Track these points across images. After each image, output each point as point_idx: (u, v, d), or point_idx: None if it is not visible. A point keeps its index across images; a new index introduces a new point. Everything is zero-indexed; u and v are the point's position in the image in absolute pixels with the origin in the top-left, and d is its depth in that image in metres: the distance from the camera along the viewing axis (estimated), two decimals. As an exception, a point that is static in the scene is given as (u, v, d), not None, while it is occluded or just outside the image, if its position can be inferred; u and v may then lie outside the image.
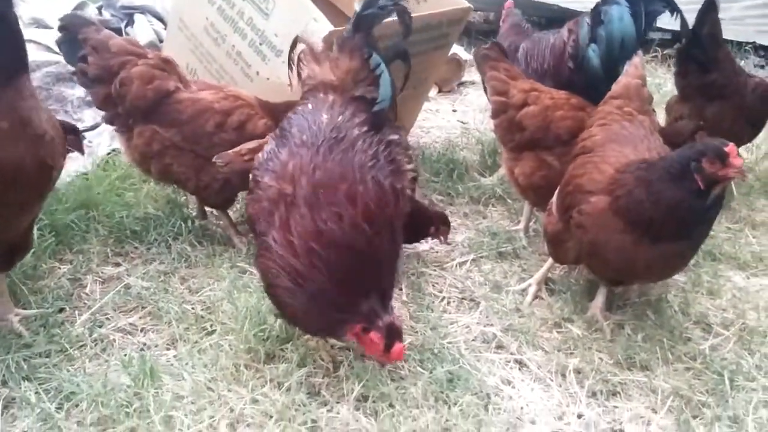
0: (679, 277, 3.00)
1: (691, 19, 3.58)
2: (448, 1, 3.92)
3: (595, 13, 3.44)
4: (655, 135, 2.60)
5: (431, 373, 2.25)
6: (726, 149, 2.15)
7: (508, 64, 3.37)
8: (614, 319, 2.66)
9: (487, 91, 3.68)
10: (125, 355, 2.29)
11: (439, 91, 5.77)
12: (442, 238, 3.03)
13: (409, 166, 2.38)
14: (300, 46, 2.60)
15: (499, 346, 2.52)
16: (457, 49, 6.02)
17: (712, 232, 3.32)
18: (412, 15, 2.85)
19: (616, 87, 2.79)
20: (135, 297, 2.65)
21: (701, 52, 3.62)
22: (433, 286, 2.92)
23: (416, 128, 4.76)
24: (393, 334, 1.94)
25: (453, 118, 5.22)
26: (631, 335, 2.55)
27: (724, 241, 3.31)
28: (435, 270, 3.04)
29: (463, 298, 2.85)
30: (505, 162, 3.35)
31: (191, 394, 2.14)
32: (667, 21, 3.53)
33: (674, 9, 3.44)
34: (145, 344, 2.43)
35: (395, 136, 2.37)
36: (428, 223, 2.98)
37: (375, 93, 2.45)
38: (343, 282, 1.95)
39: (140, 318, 2.56)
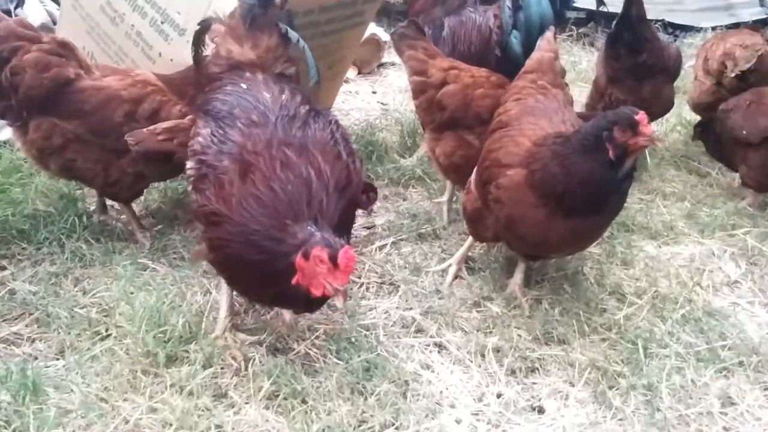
0: (594, 249, 3.04)
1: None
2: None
3: None
4: (569, 108, 2.61)
5: (347, 363, 2.19)
6: (636, 117, 2.15)
7: (425, 42, 3.30)
8: (532, 294, 2.67)
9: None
10: (6, 369, 2.10)
11: (359, 73, 5.68)
12: (369, 207, 3.05)
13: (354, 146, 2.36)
14: (215, 26, 2.48)
15: (419, 330, 2.48)
16: (376, 30, 5.93)
17: (625, 204, 3.40)
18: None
19: (529, 62, 2.78)
20: (20, 303, 2.46)
21: (632, 35, 3.61)
22: (351, 272, 2.86)
23: (335, 110, 4.65)
24: (334, 242, 1.84)
25: (373, 99, 5.15)
26: (548, 310, 2.57)
27: (637, 212, 3.38)
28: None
29: (382, 283, 2.80)
30: (426, 142, 3.30)
31: (80, 407, 1.99)
32: (581, 0, 3.58)
33: None
34: (30, 355, 2.25)
35: (333, 116, 2.36)
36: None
37: (292, 69, 2.47)
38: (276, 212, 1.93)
39: (26, 326, 2.38)
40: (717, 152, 3.67)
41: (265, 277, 1.96)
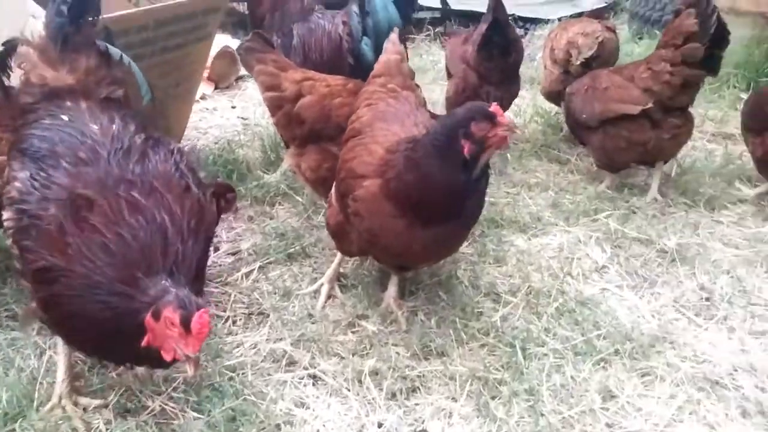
0: (467, 249, 3.00)
1: None
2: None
3: (360, 2, 3.35)
4: (422, 109, 2.52)
5: (209, 415, 1.97)
6: (491, 109, 2.08)
7: (275, 54, 3.13)
8: (408, 306, 2.57)
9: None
10: None
11: (216, 88, 5.41)
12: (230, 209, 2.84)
13: (202, 174, 2.12)
14: (21, 49, 2.16)
15: (291, 362, 2.30)
16: (231, 42, 5.69)
17: (492, 199, 3.40)
18: (160, 5, 2.55)
19: (377, 65, 2.68)
20: None
21: (502, 38, 3.69)
22: (215, 305, 2.63)
23: (191, 130, 4.39)
24: (188, 304, 1.62)
25: (233, 115, 4.91)
26: (425, 321, 2.47)
27: (505, 206, 3.38)
28: (217, 286, 2.75)
29: (250, 314, 2.60)
30: (290, 157, 3.14)
31: None
32: (434, 0, 3.56)
33: None
34: None
35: (175, 144, 2.12)
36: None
37: (119, 92, 2.23)
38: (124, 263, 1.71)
39: None
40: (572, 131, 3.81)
41: (111, 337, 1.72)
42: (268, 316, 2.56)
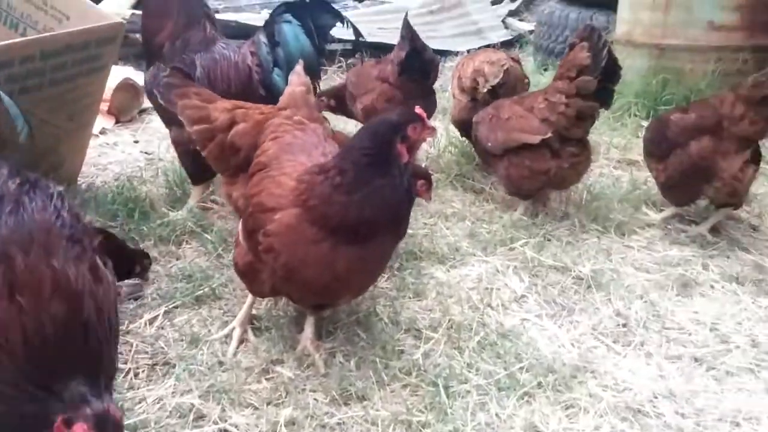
0: (385, 284, 2.92)
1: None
2: (95, 18, 3.41)
3: (269, 33, 3.26)
4: (330, 141, 2.44)
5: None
6: (418, 112, 2.11)
7: (196, 87, 2.98)
8: (326, 348, 2.44)
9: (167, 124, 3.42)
10: None
11: (117, 122, 5.15)
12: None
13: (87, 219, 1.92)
14: None
15: (199, 417, 2.12)
16: (135, 75, 5.45)
17: (410, 231, 3.33)
18: (48, 34, 2.36)
19: (282, 98, 2.58)
20: None
21: (421, 62, 3.86)
22: (116, 357, 2.41)
23: (89, 167, 4.13)
24: (105, 425, 1.44)
25: (135, 149, 4.67)
26: (344, 363, 2.35)
27: (422, 237, 3.33)
28: (118, 336, 2.52)
29: (154, 365, 2.39)
30: (222, 187, 3.03)
31: None
32: (346, 32, 3.55)
33: (343, 20, 3.44)
34: None
35: (55, 187, 1.87)
36: (130, 262, 2.73)
37: None
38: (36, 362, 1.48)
39: None
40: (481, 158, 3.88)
41: None
42: (174, 366, 2.37)
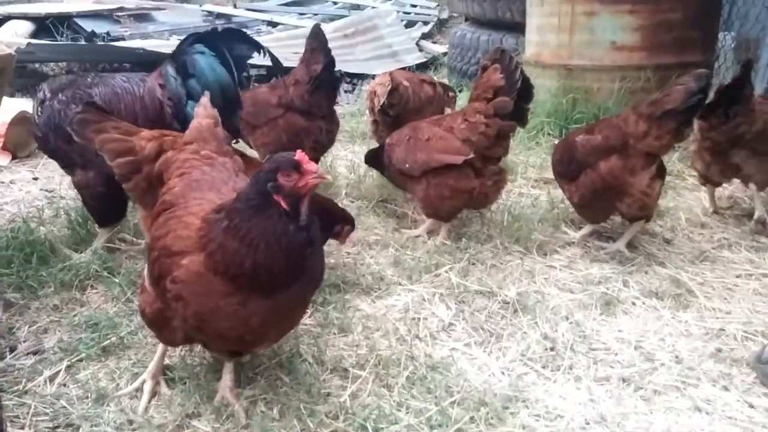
0: (309, 320, 2.79)
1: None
2: (-20, 49, 3.15)
3: (180, 65, 3.11)
4: (241, 175, 2.31)
5: None
6: (296, 158, 1.92)
7: (114, 120, 2.80)
8: (246, 396, 2.28)
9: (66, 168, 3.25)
10: None
11: (14, 158, 4.82)
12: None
13: None
14: None
15: (104, 487, 1.92)
16: (30, 107, 5.13)
17: (332, 261, 3.24)
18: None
19: (188, 132, 2.43)
20: None
21: (333, 75, 3.99)
22: (11, 422, 2.18)
23: (-18, 208, 3.81)
24: None
25: (34, 187, 4.38)
26: (266, 412, 2.21)
27: (346, 268, 3.22)
28: (13, 397, 2.29)
29: (55, 427, 2.18)
30: (143, 220, 2.88)
31: None
32: (259, 59, 3.47)
33: (260, 49, 3.35)
34: None
35: None
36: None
37: None
38: None
39: None
40: (392, 181, 3.79)
41: None
42: (79, 428, 2.16)
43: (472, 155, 3.34)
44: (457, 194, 3.41)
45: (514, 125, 3.38)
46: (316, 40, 4.00)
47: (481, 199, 3.48)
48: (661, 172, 3.33)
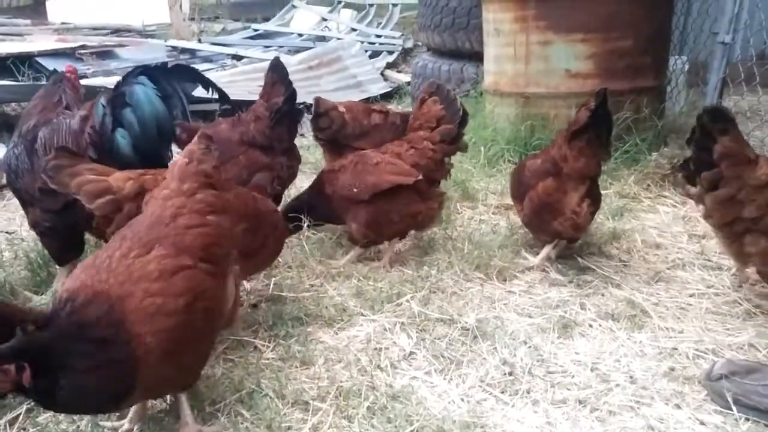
0: (271, 354, 2.81)
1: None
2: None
3: (118, 94, 3.14)
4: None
5: None
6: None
7: (86, 162, 2.88)
8: (207, 433, 2.29)
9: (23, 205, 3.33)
10: None
11: (-26, 200, 4.78)
12: None
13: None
14: None
15: None
16: (-7, 147, 5.12)
17: (293, 294, 3.27)
18: None
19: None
20: None
21: (295, 108, 4.01)
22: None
23: (-60, 252, 3.77)
24: None
25: (-6, 229, 4.33)
26: (226, 450, 2.21)
27: (309, 300, 3.25)
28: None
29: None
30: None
31: None
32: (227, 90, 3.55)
33: (208, 85, 3.40)
34: None
35: None
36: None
37: None
38: None
39: None
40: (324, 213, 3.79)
41: None
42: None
43: (420, 177, 3.54)
44: (405, 218, 3.60)
45: (457, 149, 3.71)
46: (276, 73, 4.06)
47: (426, 221, 3.70)
48: (593, 194, 3.45)
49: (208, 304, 2.15)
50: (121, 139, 3.01)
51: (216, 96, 3.54)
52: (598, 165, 3.39)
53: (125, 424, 2.33)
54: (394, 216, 3.57)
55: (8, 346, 1.83)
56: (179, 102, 3.18)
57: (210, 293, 2.16)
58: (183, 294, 2.05)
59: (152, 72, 3.18)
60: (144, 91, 3.09)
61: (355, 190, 3.58)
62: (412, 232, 3.84)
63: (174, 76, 3.23)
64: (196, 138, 2.44)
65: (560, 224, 3.41)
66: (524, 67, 5.21)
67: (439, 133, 3.61)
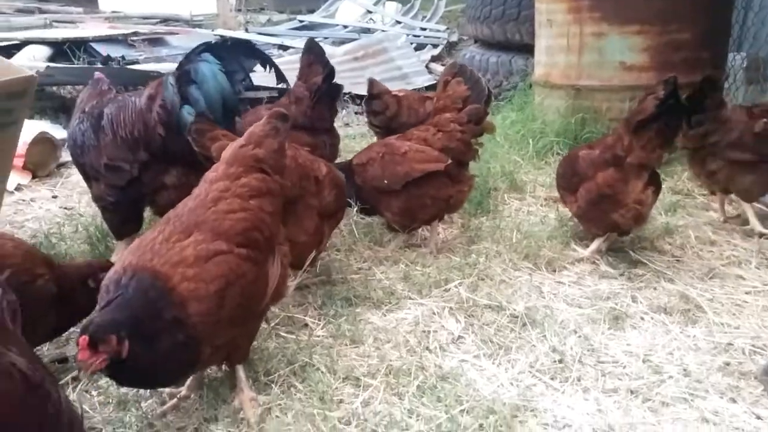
0: (321, 332, 2.85)
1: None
2: (4, 71, 3.26)
3: (183, 72, 3.20)
4: None
5: None
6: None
7: (222, 130, 3.01)
8: (261, 402, 2.33)
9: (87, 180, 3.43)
10: None
11: (34, 177, 4.94)
12: None
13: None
14: None
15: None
16: (51, 128, 5.28)
17: (344, 276, 3.30)
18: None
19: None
20: None
21: (334, 86, 4.12)
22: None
23: (3, 225, 3.93)
24: None
25: (54, 205, 4.48)
26: (281, 417, 2.26)
27: (357, 283, 3.28)
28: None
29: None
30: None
31: None
32: (271, 79, 3.56)
33: (266, 61, 3.42)
34: None
35: None
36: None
37: None
38: None
39: None
40: (361, 200, 3.77)
41: None
42: (101, 431, 2.22)
43: (449, 161, 3.51)
44: (437, 202, 3.58)
45: (482, 130, 3.63)
46: (312, 54, 4.10)
47: (457, 204, 3.70)
48: (654, 184, 3.41)
49: (245, 287, 2.15)
50: (188, 115, 3.07)
51: (272, 73, 3.53)
52: (662, 156, 3.33)
53: (183, 390, 2.39)
54: (427, 201, 3.56)
55: (110, 318, 1.88)
56: (243, 77, 3.22)
57: (248, 277, 2.16)
58: (215, 280, 2.05)
59: (215, 49, 3.23)
60: (209, 68, 3.13)
61: (385, 182, 3.56)
62: (457, 218, 3.84)
63: (236, 52, 3.27)
64: (264, 118, 2.49)
65: (621, 216, 3.35)
66: (577, 59, 5.15)
67: (467, 114, 3.55)
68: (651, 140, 3.24)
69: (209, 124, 2.98)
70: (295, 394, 2.40)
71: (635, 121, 3.25)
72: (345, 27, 11.92)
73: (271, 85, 5.50)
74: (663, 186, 4.39)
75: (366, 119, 4.32)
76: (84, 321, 1.98)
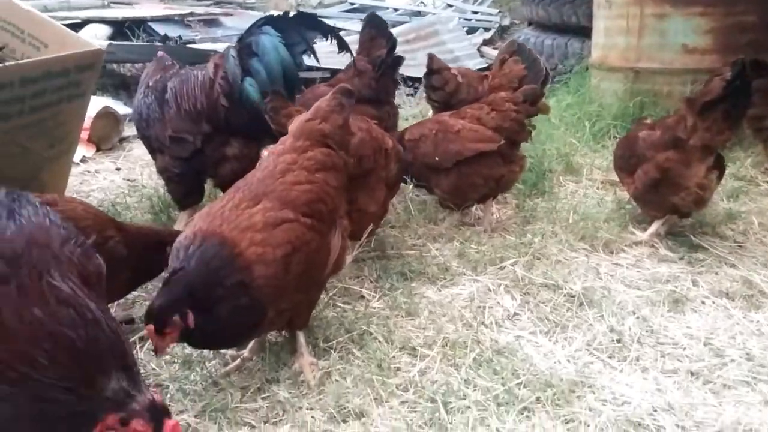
0: (377, 304, 2.89)
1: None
2: (73, 45, 3.39)
3: (244, 45, 3.25)
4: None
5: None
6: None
7: (298, 108, 3.08)
8: (321, 366, 2.39)
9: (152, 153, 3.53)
10: None
11: (98, 150, 5.10)
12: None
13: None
14: None
15: (195, 439, 2.06)
16: (113, 103, 5.44)
17: (397, 251, 3.33)
18: (26, 61, 2.32)
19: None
20: None
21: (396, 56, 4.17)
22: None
23: (71, 194, 4.05)
24: (158, 413, 1.47)
25: (117, 177, 4.63)
26: (340, 381, 2.31)
27: (412, 258, 3.31)
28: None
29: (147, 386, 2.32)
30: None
31: None
32: (325, 60, 3.58)
33: (330, 33, 3.43)
34: None
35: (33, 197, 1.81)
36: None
37: None
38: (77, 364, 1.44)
39: None
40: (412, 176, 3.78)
41: None
42: (168, 387, 2.31)
43: (503, 141, 3.48)
44: (487, 181, 3.56)
45: (537, 110, 3.57)
46: (374, 28, 4.11)
47: (508, 184, 3.68)
48: (718, 167, 3.33)
49: (309, 255, 2.23)
50: (250, 87, 3.13)
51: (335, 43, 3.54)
52: (729, 138, 3.25)
53: (245, 352, 2.46)
54: (477, 180, 3.54)
55: (168, 300, 1.99)
56: (304, 48, 3.26)
57: (312, 246, 2.24)
58: (282, 245, 2.13)
59: (276, 21, 3.27)
60: (270, 40, 3.18)
61: (437, 158, 3.54)
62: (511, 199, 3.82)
63: (297, 24, 3.31)
64: (330, 93, 2.53)
65: (681, 199, 3.28)
66: (636, 41, 5.04)
67: (522, 93, 3.49)
68: (717, 122, 3.16)
69: (283, 102, 3.04)
70: (354, 361, 2.44)
71: (701, 102, 3.17)
72: (396, 10, 11.88)
73: (323, 66, 5.54)
74: (726, 171, 4.30)
75: (424, 94, 4.31)
76: (147, 306, 2.06)
